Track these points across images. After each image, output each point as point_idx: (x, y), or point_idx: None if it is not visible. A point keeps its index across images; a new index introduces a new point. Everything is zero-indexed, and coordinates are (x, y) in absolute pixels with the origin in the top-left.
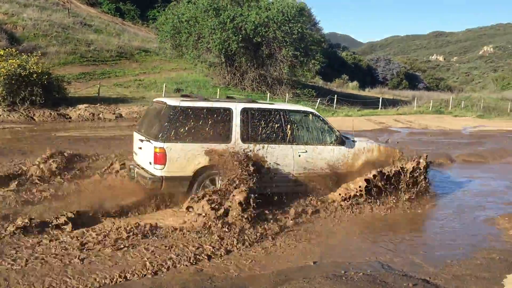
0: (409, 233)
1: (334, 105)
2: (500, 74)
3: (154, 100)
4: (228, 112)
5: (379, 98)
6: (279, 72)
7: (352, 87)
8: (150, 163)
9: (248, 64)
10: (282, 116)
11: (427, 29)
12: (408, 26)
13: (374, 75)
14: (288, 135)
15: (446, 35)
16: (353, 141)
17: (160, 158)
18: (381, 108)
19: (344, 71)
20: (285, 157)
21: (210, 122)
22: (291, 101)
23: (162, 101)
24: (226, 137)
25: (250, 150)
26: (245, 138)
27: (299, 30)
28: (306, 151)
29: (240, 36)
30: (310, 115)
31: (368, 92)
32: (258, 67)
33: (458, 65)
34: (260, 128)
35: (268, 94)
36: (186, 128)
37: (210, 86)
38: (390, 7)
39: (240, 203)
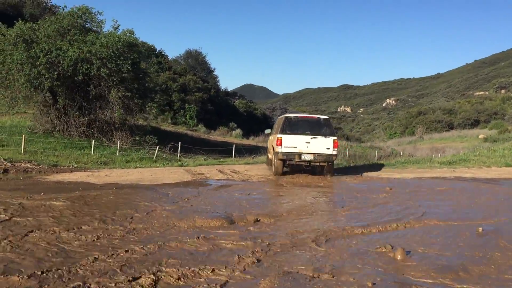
0: None
1: (178, 154)
2: (388, 124)
3: (292, 116)
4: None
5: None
6: (111, 116)
7: (235, 135)
8: (329, 148)
9: (75, 106)
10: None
11: (337, 82)
12: (320, 79)
13: (270, 123)
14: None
15: (354, 88)
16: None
17: (336, 145)
18: (235, 157)
19: (235, 119)
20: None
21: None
22: (131, 149)
23: (312, 116)
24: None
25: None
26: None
27: (129, 68)
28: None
29: (56, 73)
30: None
31: (251, 141)
32: (91, 111)
33: (363, 116)
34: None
35: (93, 141)
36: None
37: (26, 132)
38: (304, 62)
39: None
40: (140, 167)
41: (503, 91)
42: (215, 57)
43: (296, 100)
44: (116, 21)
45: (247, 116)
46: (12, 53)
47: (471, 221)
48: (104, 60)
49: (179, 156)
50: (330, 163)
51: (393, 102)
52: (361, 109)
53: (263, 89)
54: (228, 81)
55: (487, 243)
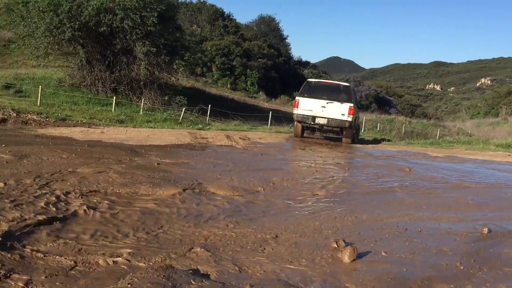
0: None
1: (208, 118)
2: (473, 103)
3: (313, 80)
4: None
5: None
6: (137, 73)
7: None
8: (343, 114)
9: (103, 60)
10: None
11: (429, 58)
12: (410, 55)
13: None
14: None
15: (446, 66)
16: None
17: (351, 111)
18: (273, 125)
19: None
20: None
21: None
22: (159, 109)
23: (332, 82)
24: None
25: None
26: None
27: (154, 21)
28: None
29: (78, 22)
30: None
31: None
32: (119, 66)
33: (452, 95)
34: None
35: (115, 98)
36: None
37: (54, 85)
38: (394, 35)
39: None
40: (153, 128)
41: None
42: (301, 29)
43: (383, 75)
44: None
45: None
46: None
47: (482, 219)
48: (128, 11)
49: (208, 119)
50: (349, 130)
51: (489, 82)
52: (451, 88)
53: (350, 62)
54: (313, 54)
55: (485, 250)
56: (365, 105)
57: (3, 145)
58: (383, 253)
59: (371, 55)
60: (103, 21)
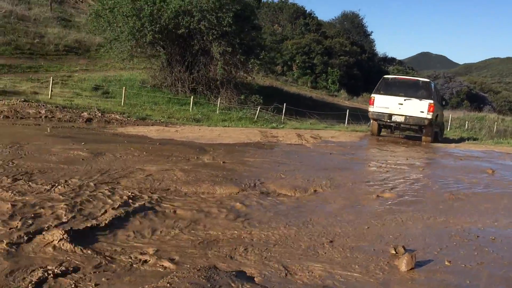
0: None
1: (283, 116)
2: None
3: (390, 77)
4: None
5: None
6: (214, 72)
7: None
8: (422, 111)
9: (183, 61)
10: None
11: None
12: (510, 48)
13: None
14: None
15: None
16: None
17: (431, 108)
18: (350, 123)
19: None
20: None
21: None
22: (235, 108)
23: (410, 78)
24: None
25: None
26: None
27: (230, 21)
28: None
29: (158, 25)
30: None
31: None
32: (197, 66)
33: None
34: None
35: (192, 97)
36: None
37: (138, 86)
38: (491, 28)
39: None
40: (228, 126)
41: None
42: (388, 24)
43: (479, 71)
44: None
45: None
46: (123, 5)
47: None
48: (204, 12)
49: (283, 118)
50: (429, 128)
51: None
52: None
53: (442, 58)
54: (401, 50)
55: None
56: (455, 103)
57: (83, 143)
58: (446, 263)
59: (466, 49)
60: (181, 23)
